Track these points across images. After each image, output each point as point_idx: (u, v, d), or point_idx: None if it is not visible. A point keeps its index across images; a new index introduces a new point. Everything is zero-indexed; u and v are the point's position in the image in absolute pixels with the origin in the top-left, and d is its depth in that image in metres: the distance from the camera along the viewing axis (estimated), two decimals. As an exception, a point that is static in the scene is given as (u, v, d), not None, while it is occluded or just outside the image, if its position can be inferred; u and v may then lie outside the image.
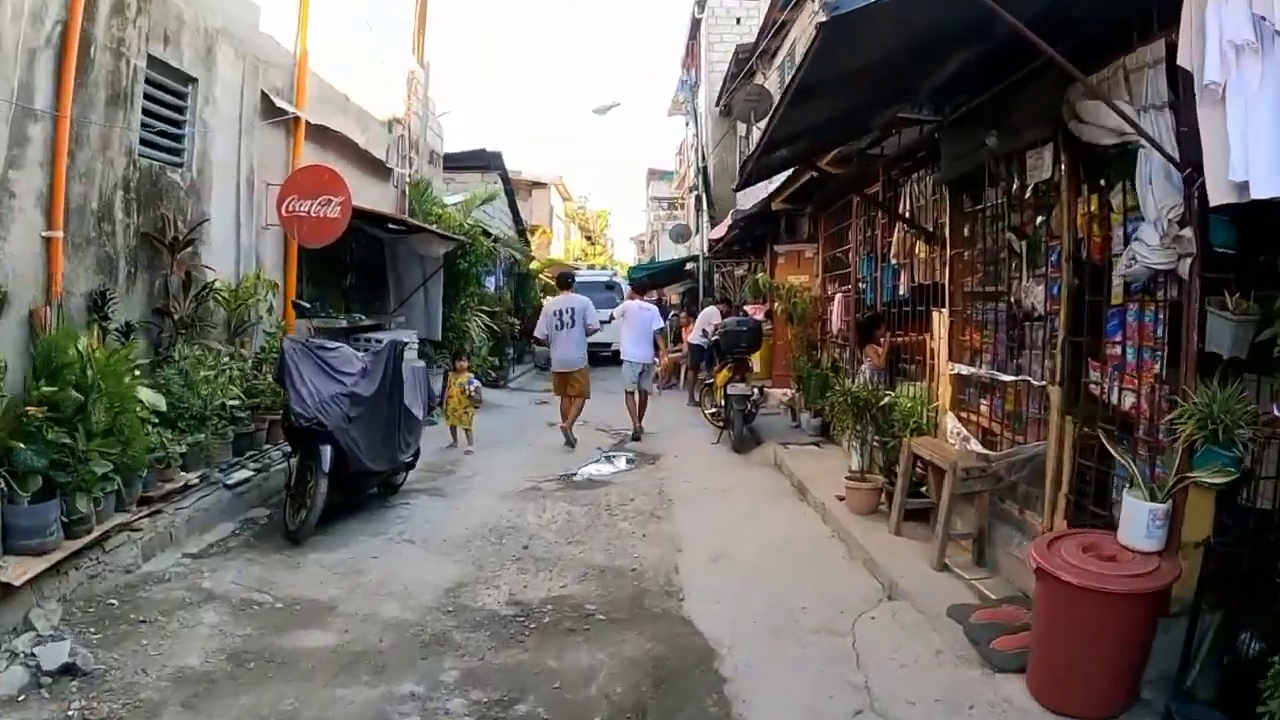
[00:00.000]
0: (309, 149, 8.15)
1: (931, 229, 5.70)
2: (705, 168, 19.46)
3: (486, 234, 11.39)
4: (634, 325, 9.45)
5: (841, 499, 5.92)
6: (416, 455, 6.66)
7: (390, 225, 9.33)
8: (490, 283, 14.91)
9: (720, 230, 11.31)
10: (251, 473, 6.12)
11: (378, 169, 9.96)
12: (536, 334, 9.13)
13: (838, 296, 8.30)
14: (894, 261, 6.59)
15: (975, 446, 4.85)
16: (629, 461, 8.19)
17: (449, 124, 20.04)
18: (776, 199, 9.37)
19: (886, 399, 5.37)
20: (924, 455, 4.87)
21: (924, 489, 5.34)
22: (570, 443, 8.67)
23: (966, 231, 5.32)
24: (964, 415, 5.21)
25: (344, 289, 9.18)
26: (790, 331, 9.15)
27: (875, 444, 5.95)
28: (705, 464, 7.85)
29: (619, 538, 5.56)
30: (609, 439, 9.43)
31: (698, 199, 19.76)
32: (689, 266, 20.55)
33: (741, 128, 17.85)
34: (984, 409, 5.00)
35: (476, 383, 8.44)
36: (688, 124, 23.41)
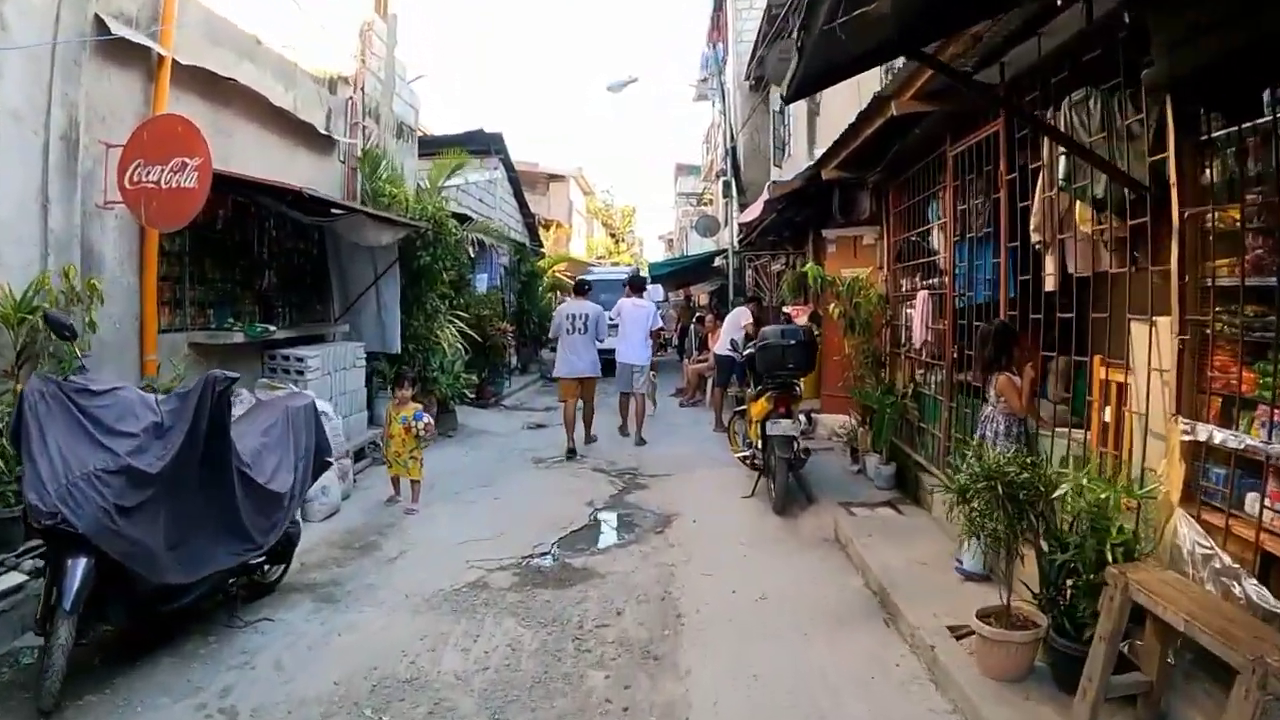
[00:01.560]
0: (194, 105, 5.97)
1: (1130, 175, 3.27)
2: (734, 148, 17.04)
3: (459, 218, 9.13)
4: (628, 325, 8.83)
5: (959, 635, 3.54)
6: (289, 543, 4.44)
7: (334, 209, 7.12)
8: (481, 281, 12.70)
9: (754, 210, 8.94)
10: (25, 576, 3.95)
11: (312, 138, 7.77)
12: (551, 334, 8.90)
13: (921, 295, 5.87)
14: (1035, 239, 4.17)
15: (1254, 591, 2.45)
16: (627, 528, 5.87)
17: (442, 106, 17.85)
18: (827, 165, 6.97)
19: (1063, 488, 2.95)
20: (1172, 621, 2.44)
21: (1128, 648, 2.94)
22: (578, 447, 8.29)
23: (1214, 174, 2.90)
24: (1210, 520, 2.79)
25: (259, 291, 7.00)
26: (849, 342, 6.74)
27: (992, 530, 3.54)
28: (735, 538, 5.48)
29: (583, 712, 3.24)
30: (607, 484, 7.11)
31: (726, 184, 17.35)
32: (717, 263, 18.18)
33: (776, 99, 15.42)
34: (1270, 516, 2.58)
35: (426, 417, 6.18)
36: (714, 103, 20.99)
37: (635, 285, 9.33)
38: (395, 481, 6.32)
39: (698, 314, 16.68)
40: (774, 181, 7.65)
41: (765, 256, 12.72)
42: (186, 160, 5.00)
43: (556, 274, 20.43)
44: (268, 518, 4.06)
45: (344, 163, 8.40)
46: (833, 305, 6.63)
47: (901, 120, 5.41)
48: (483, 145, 15.76)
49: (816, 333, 9.90)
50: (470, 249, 11.42)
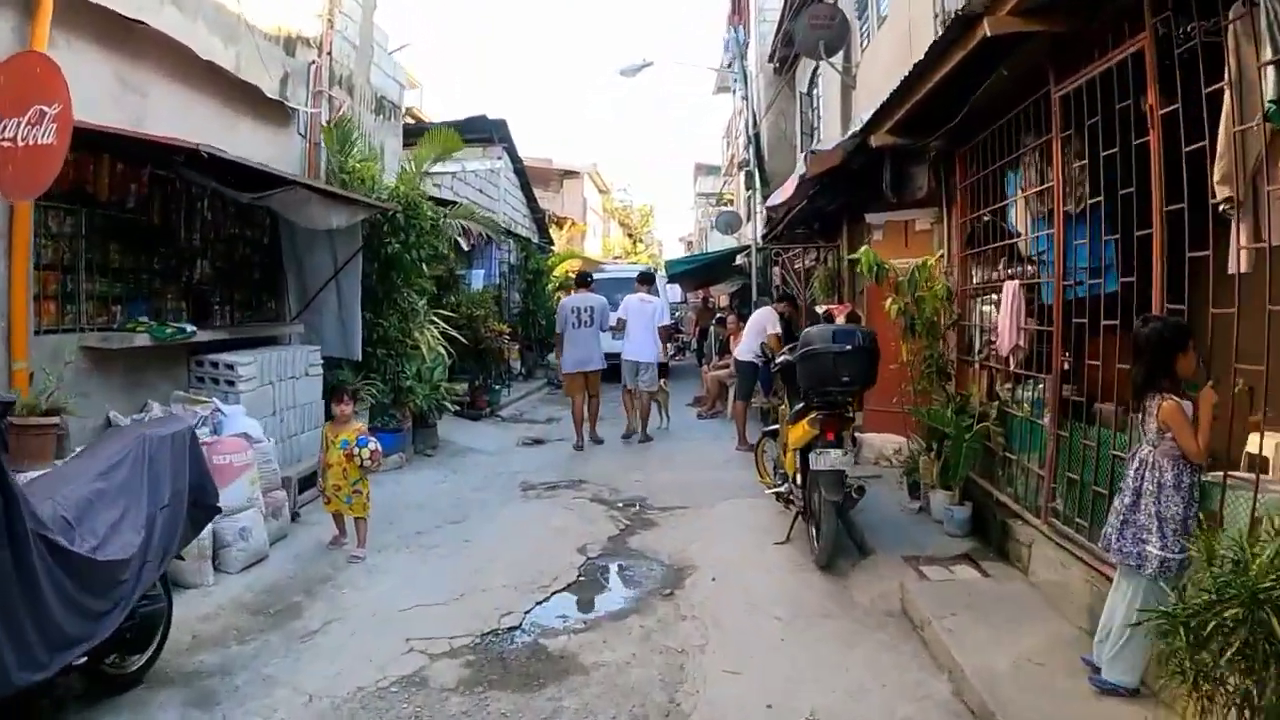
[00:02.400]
0: (90, 54, 4.85)
1: None
2: (757, 134, 15.71)
3: (440, 203, 7.87)
4: (634, 321, 8.57)
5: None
6: (146, 626, 3.20)
7: (294, 184, 5.84)
8: (477, 278, 11.51)
9: (785, 191, 7.59)
10: None
11: (261, 105, 6.56)
12: (557, 329, 8.76)
13: (1009, 288, 4.52)
14: (1220, 196, 2.83)
15: None
16: (627, 588, 4.57)
17: (441, 107, 16.65)
18: (879, 127, 5.64)
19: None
20: None
21: None
22: (595, 440, 8.44)
23: None
24: None
25: (188, 285, 5.80)
26: (907, 347, 5.40)
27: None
28: (768, 607, 4.14)
29: None
30: (607, 520, 5.80)
31: (748, 175, 16.00)
32: (739, 261, 16.84)
33: (803, 80, 14.08)
34: None
35: (372, 442, 4.92)
36: (734, 91, 19.66)
37: (644, 279, 9.08)
38: (338, 519, 5.08)
39: (718, 315, 15.37)
40: (811, 151, 6.34)
41: (796, 250, 11.33)
42: (44, 109, 3.81)
43: (569, 272, 19.20)
44: (99, 599, 2.81)
45: (304, 136, 7.20)
46: (889, 302, 5.28)
47: (983, 56, 4.12)
48: (485, 133, 14.63)
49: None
50: (462, 240, 10.23)
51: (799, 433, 4.57)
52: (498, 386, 11.29)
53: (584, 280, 9.21)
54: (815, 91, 13.66)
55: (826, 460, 4.29)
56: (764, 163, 15.86)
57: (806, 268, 11.43)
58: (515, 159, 15.83)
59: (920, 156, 6.21)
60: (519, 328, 14.98)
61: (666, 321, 9.01)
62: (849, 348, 4.30)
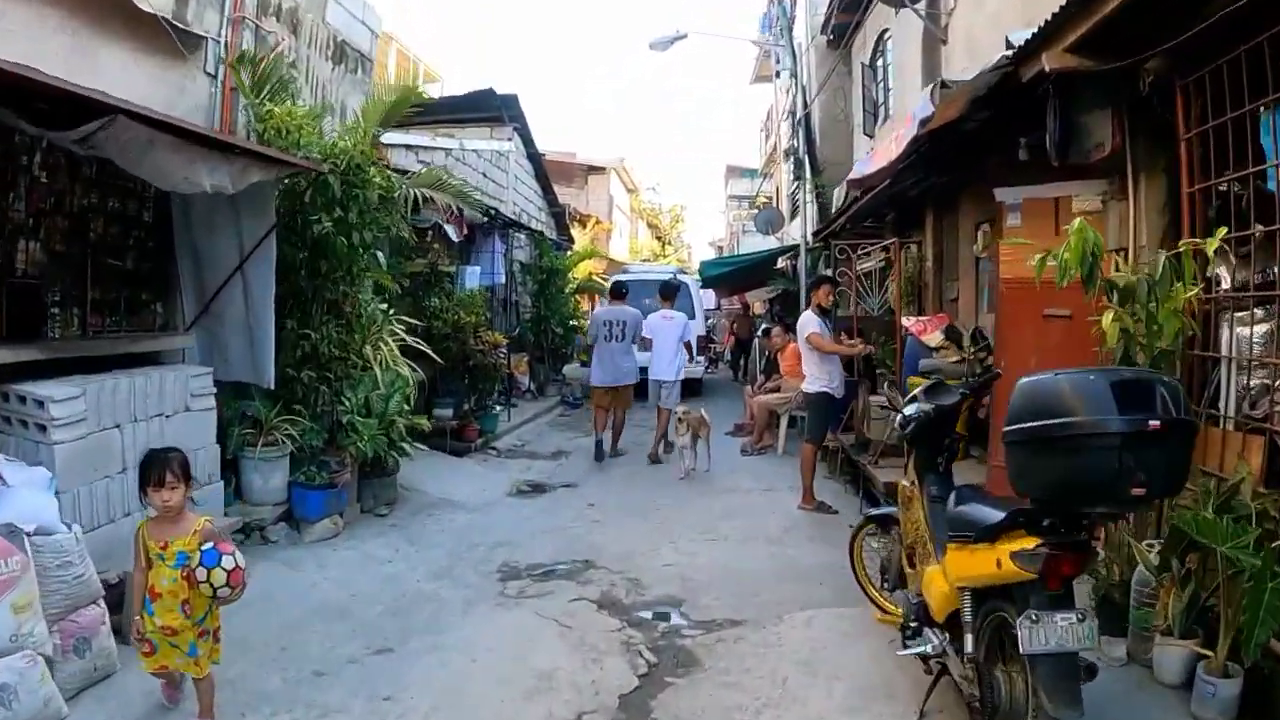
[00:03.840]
0: None
1: None
2: (807, 115, 13.60)
3: (401, 173, 5.84)
4: (660, 340, 8.15)
5: None
6: None
7: (115, 111, 3.82)
8: (472, 275, 9.54)
9: (884, 154, 5.43)
10: None
11: (149, 31, 4.64)
12: (589, 340, 8.61)
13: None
14: None
15: None
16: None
17: (446, 89, 14.82)
18: (1056, 44, 3.55)
19: None
20: None
21: None
22: (613, 452, 8.14)
23: None
24: None
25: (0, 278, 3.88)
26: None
27: None
28: None
29: None
30: (619, 651, 3.74)
31: (797, 163, 13.88)
32: (781, 264, 14.75)
33: (865, 47, 11.92)
34: None
35: (228, 557, 2.86)
36: (777, 73, 17.55)
37: (667, 294, 8.59)
38: (165, 673, 3.05)
39: (764, 326, 13.30)
40: (942, 83, 4.27)
41: (871, 246, 9.12)
42: None
43: (593, 274, 17.23)
44: None
45: (214, 76, 5.26)
46: (1108, 318, 3.13)
47: None
48: (492, 110, 12.66)
49: (956, 359, 6.48)
50: (451, 230, 8.27)
51: (979, 566, 2.42)
52: (497, 409, 9.32)
53: (618, 292, 8.65)
54: (881, 61, 11.56)
55: (1052, 633, 2.12)
56: (815, 149, 13.79)
57: (878, 268, 9.33)
58: (529, 142, 13.88)
59: (1102, 97, 4.08)
60: (530, 334, 13.02)
61: (689, 338, 8.50)
62: (1153, 425, 1.99)
